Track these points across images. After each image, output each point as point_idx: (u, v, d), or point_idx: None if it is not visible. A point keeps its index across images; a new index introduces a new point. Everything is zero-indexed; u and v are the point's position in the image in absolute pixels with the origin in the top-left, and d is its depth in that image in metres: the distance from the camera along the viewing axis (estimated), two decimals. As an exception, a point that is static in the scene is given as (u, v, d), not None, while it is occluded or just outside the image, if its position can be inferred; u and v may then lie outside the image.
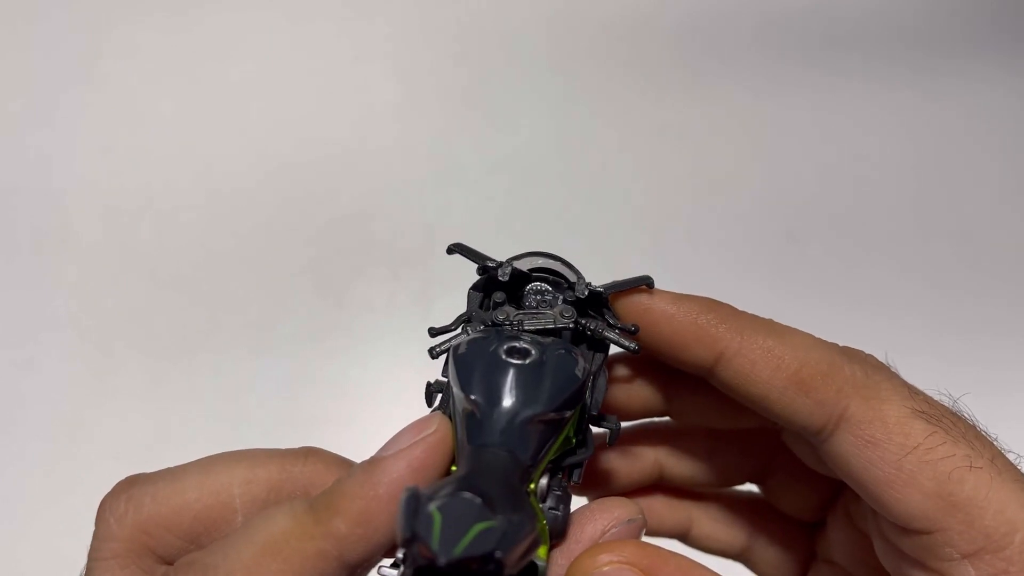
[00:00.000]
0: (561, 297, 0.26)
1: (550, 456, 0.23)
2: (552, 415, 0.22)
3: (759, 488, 0.32)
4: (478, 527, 0.18)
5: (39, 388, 0.53)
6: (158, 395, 0.53)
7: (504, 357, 0.23)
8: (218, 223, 0.58)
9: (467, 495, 0.19)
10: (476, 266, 0.26)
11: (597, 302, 0.26)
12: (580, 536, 0.23)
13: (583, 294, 0.26)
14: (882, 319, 0.56)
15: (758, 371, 0.24)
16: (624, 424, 0.29)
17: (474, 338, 0.24)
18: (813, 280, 0.57)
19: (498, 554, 0.18)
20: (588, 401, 0.25)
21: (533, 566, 0.22)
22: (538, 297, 0.27)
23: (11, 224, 0.57)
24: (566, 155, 0.61)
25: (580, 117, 0.62)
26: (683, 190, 0.60)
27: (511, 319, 0.26)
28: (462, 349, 0.24)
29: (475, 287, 0.27)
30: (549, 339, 0.25)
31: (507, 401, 0.22)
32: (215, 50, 0.64)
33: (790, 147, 0.61)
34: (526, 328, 0.25)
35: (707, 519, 0.32)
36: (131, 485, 0.25)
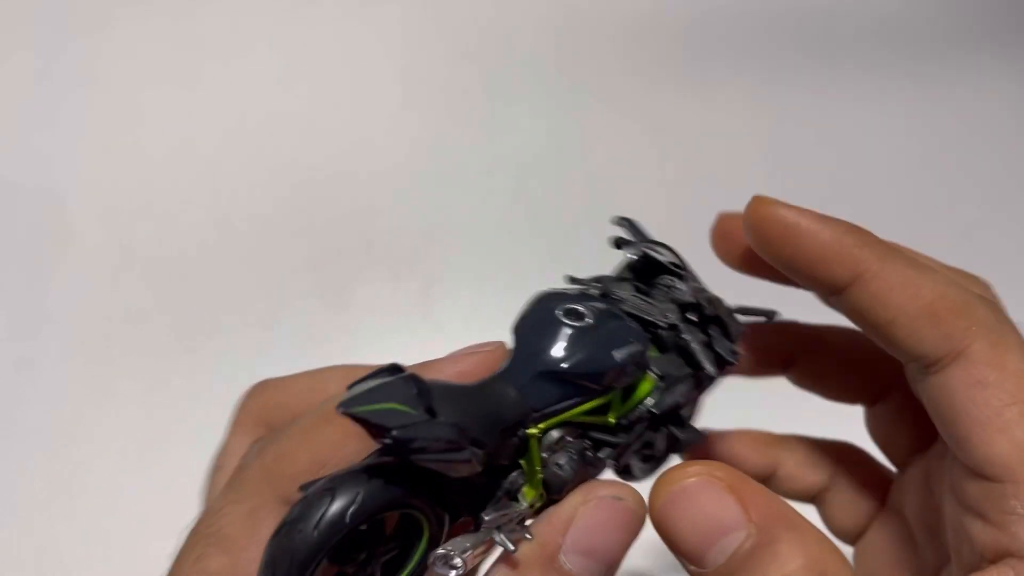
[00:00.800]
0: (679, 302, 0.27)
1: (565, 416, 0.24)
2: (570, 377, 0.23)
3: (868, 412, 0.32)
4: (393, 405, 0.20)
5: (39, 388, 0.53)
6: (158, 395, 0.53)
7: (558, 313, 0.24)
8: (218, 223, 0.58)
9: (411, 383, 0.20)
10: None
11: (708, 317, 0.27)
12: (564, 501, 0.23)
13: (687, 298, 0.26)
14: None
15: (894, 296, 0.25)
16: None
17: (558, 292, 0.26)
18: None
19: (394, 433, 0.19)
20: (654, 400, 0.25)
21: (515, 500, 0.23)
22: (664, 291, 0.27)
23: (11, 224, 0.57)
24: (566, 155, 0.61)
25: (580, 117, 0.62)
26: (683, 189, 0.60)
27: (619, 295, 0.26)
28: (542, 295, 0.25)
29: (629, 265, 0.28)
30: (623, 321, 0.25)
31: (537, 348, 0.24)
32: (216, 50, 0.64)
33: (791, 146, 0.61)
34: (624, 308, 0.26)
35: (792, 462, 0.33)
36: (263, 381, 0.32)
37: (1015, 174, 0.61)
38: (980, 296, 0.26)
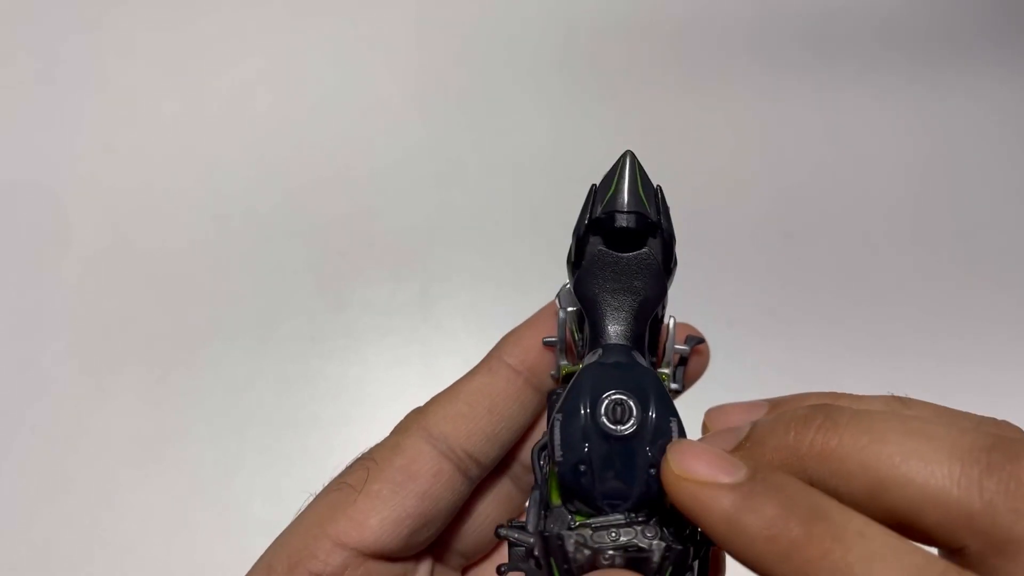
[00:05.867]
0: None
1: None
2: None
3: None
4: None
5: (39, 388, 0.53)
6: (158, 395, 0.53)
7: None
8: (218, 223, 0.58)
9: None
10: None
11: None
12: None
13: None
14: (882, 319, 0.56)
15: None
16: None
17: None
18: (813, 280, 0.57)
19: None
20: None
21: None
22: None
23: (11, 224, 0.57)
24: (566, 155, 0.61)
25: (580, 117, 0.62)
26: (682, 190, 0.59)
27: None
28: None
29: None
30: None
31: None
32: (216, 49, 0.64)
33: (790, 147, 0.61)
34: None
35: None
36: None
37: (1016, 174, 0.61)
38: None
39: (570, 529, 0.22)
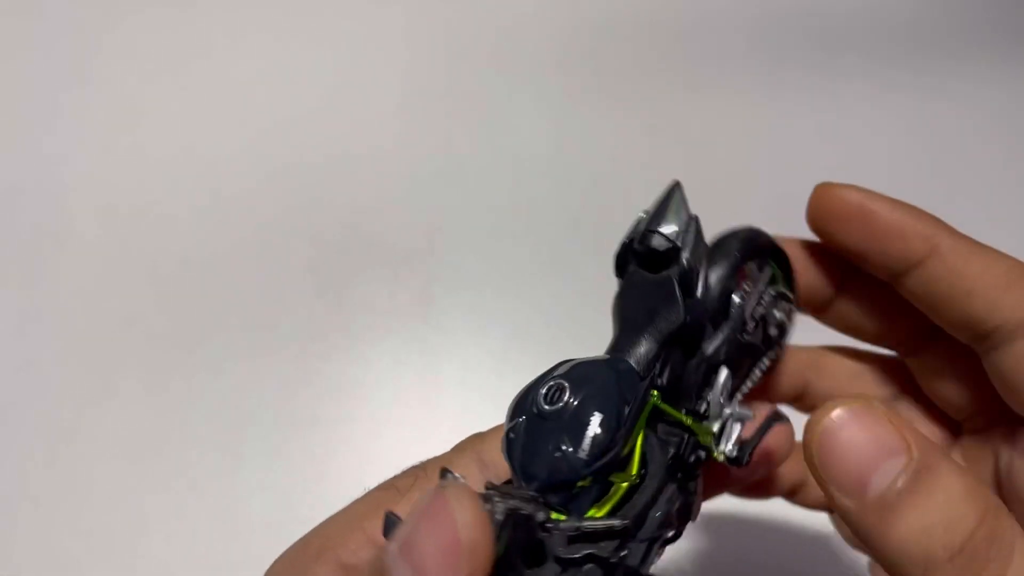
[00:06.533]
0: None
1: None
2: None
3: (915, 367, 0.33)
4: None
5: (39, 388, 0.53)
6: (158, 395, 0.53)
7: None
8: (218, 223, 0.58)
9: None
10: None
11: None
12: None
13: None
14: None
15: (971, 267, 0.27)
16: None
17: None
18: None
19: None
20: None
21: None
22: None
23: (11, 224, 0.57)
24: (566, 155, 0.61)
25: (580, 117, 0.62)
26: (685, 189, 0.60)
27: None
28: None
29: None
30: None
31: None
32: (216, 49, 0.64)
33: (792, 147, 0.61)
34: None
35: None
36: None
37: (1017, 174, 0.61)
38: None
39: (486, 490, 0.22)
